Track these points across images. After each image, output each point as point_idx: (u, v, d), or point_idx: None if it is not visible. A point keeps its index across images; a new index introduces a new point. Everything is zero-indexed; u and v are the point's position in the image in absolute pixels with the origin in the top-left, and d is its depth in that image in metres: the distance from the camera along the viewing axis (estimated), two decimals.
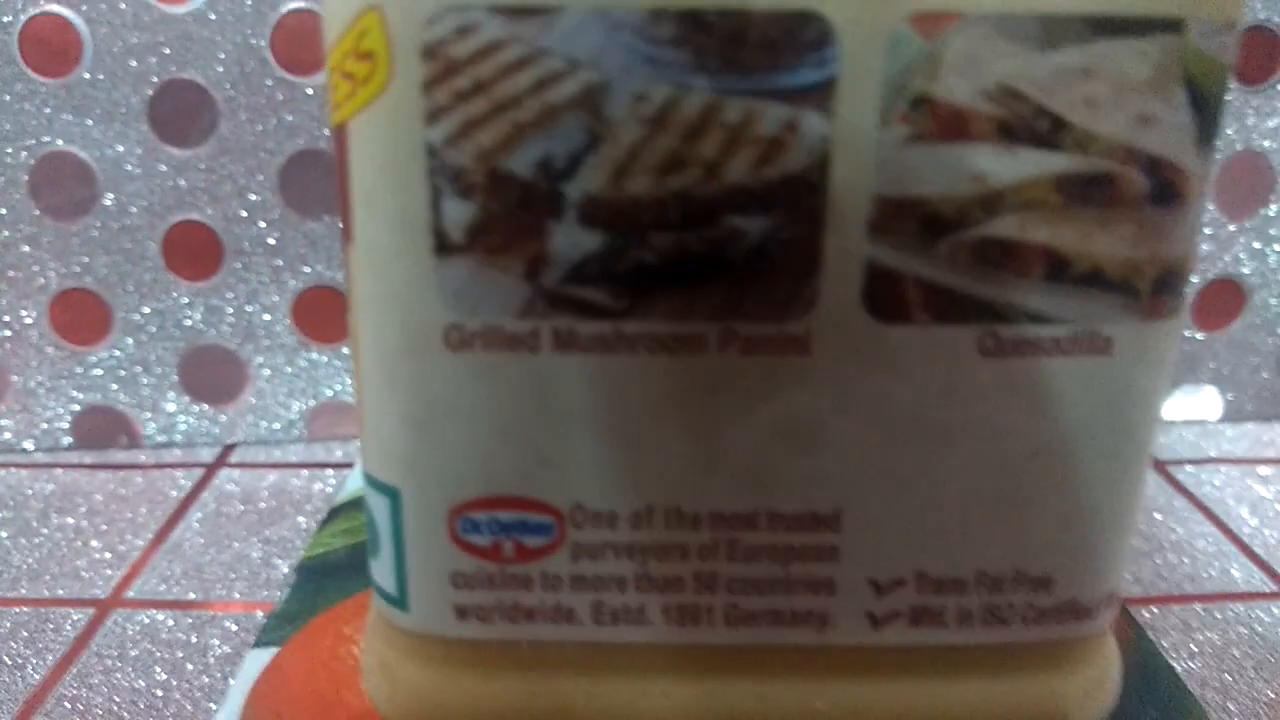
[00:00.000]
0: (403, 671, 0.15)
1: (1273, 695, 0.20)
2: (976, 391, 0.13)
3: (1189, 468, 0.29)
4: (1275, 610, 0.23)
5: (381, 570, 0.14)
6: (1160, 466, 0.29)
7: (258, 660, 0.20)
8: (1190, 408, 0.32)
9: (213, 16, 0.26)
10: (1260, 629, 0.22)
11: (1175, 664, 0.21)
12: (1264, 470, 0.29)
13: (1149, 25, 0.11)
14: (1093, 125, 0.12)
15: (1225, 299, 0.31)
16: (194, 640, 0.22)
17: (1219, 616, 0.23)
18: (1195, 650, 0.22)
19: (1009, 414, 0.13)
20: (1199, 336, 0.31)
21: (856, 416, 0.13)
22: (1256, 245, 0.30)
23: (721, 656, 0.14)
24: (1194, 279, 0.31)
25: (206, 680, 0.20)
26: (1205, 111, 0.12)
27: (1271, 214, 0.30)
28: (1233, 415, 0.32)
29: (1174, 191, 0.12)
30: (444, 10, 0.11)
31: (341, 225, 0.13)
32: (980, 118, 0.11)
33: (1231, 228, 0.30)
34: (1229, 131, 0.29)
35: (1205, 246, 0.30)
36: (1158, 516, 0.27)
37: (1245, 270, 0.31)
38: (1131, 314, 0.12)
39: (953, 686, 0.14)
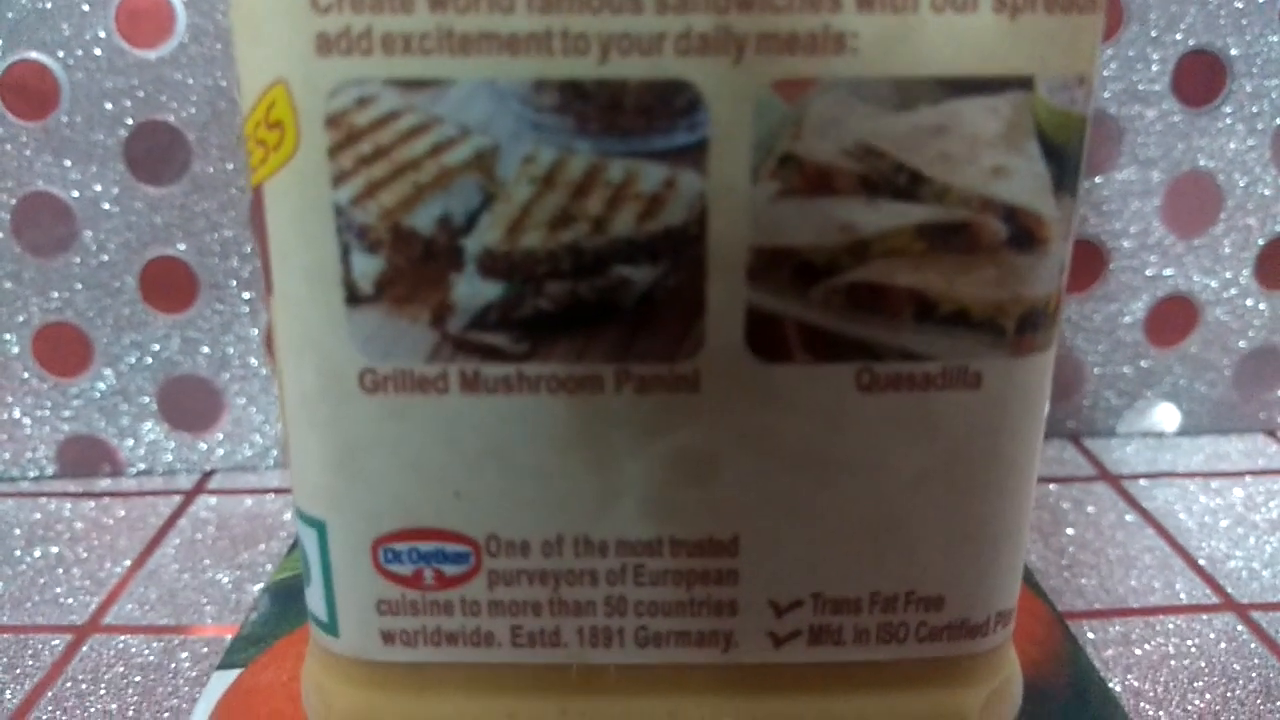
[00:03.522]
0: (337, 695, 0.16)
1: (1203, 706, 0.21)
2: (857, 424, 0.14)
3: (1143, 481, 0.30)
4: (1215, 623, 0.24)
5: (314, 598, 0.15)
6: (1114, 480, 0.30)
7: (222, 681, 0.21)
8: (1148, 421, 0.33)
9: (184, 60, 0.28)
10: (1199, 641, 0.23)
11: (1113, 677, 0.22)
12: (1216, 483, 0.30)
13: (999, 84, 0.12)
14: (949, 178, 0.12)
15: (1178, 316, 0.32)
16: (166, 664, 0.23)
17: (1159, 630, 0.23)
18: (1133, 663, 0.22)
19: (890, 444, 0.14)
20: (1152, 352, 0.32)
21: (747, 449, 0.14)
22: (1206, 263, 0.31)
23: (633, 676, 0.15)
24: (1145, 297, 0.31)
25: (176, 702, 0.21)
26: (1060, 161, 0.13)
27: (1219, 232, 0.31)
28: (1190, 429, 0.33)
29: (1032, 237, 0.13)
30: (343, 84, 0.12)
31: (263, 277, 0.14)
32: (843, 173, 0.12)
33: (1181, 246, 0.31)
34: (1176, 152, 0.30)
35: (1155, 265, 0.31)
36: (1106, 531, 0.28)
37: (1196, 287, 0.31)
38: (999, 351, 0.13)
39: (854, 701, 0.15)
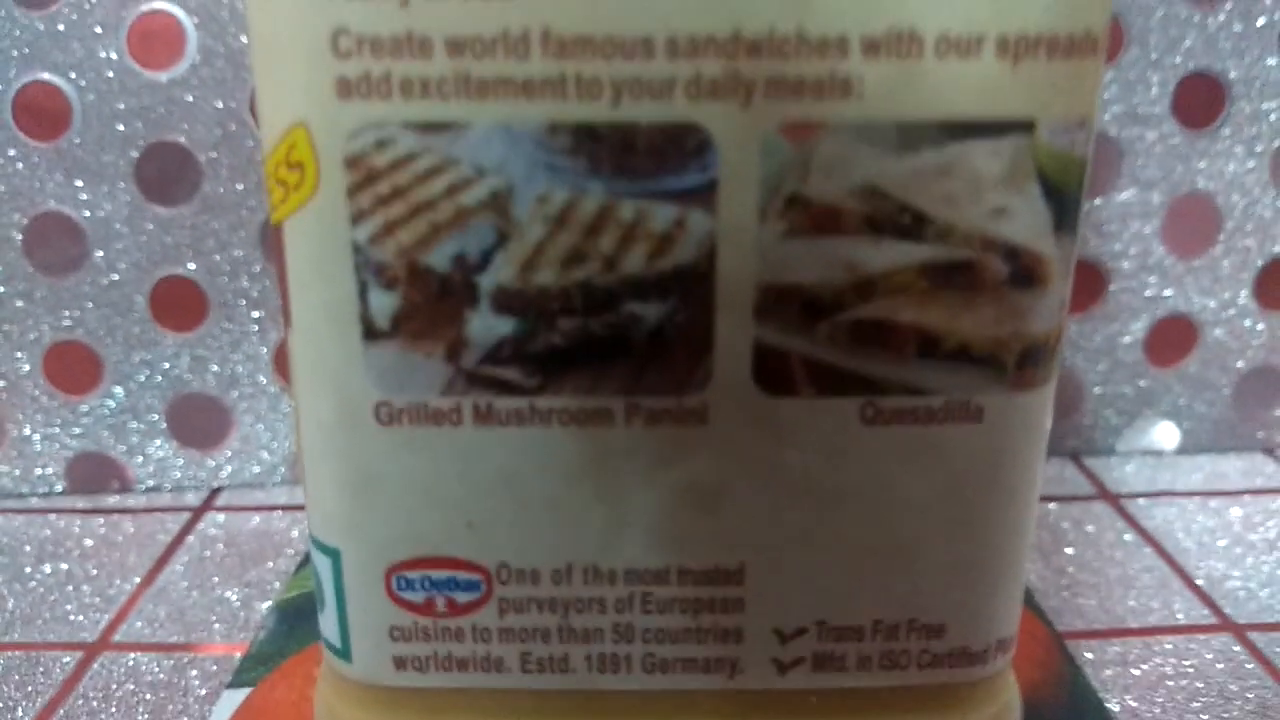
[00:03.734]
0: (349, 719, 0.16)
1: None
2: (861, 456, 0.14)
3: (1141, 500, 0.30)
4: (1213, 643, 0.24)
5: (327, 624, 0.16)
6: (1113, 499, 0.30)
7: (231, 701, 0.21)
8: (1147, 440, 0.33)
9: (194, 82, 0.28)
10: (1196, 661, 0.23)
11: (1111, 698, 0.22)
12: (1215, 503, 0.30)
13: (1001, 127, 0.13)
14: (951, 218, 0.13)
15: (1177, 335, 0.32)
16: (175, 681, 0.23)
17: (1157, 650, 0.24)
18: (1131, 684, 0.22)
19: (893, 476, 0.14)
20: (1152, 372, 0.32)
21: (753, 480, 0.14)
22: (1206, 283, 0.31)
23: (640, 702, 0.15)
24: (1145, 317, 0.32)
25: None
26: (1061, 202, 0.13)
27: (1218, 253, 0.31)
28: (1189, 448, 0.33)
29: (1033, 275, 0.13)
30: (363, 126, 0.13)
31: (282, 310, 0.14)
32: (849, 213, 0.13)
33: (1180, 267, 0.31)
34: (1176, 173, 0.30)
35: (1155, 285, 0.31)
36: (1106, 550, 0.28)
37: (1195, 307, 0.32)
38: (1000, 385, 0.14)
39: None
